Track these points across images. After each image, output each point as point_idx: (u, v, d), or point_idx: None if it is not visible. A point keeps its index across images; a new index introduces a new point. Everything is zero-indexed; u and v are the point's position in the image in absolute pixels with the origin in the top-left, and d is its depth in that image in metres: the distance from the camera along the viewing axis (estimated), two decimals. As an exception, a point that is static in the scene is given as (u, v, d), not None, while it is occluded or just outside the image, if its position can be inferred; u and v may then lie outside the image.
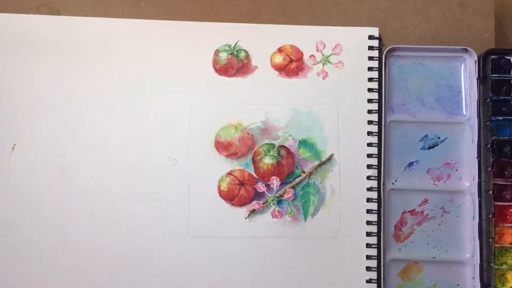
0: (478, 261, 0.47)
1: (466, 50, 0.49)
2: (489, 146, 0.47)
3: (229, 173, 0.48)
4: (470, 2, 0.51)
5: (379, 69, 0.49)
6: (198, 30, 0.50)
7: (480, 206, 0.47)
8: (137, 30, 0.50)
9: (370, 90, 0.49)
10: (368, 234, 0.47)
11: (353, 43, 0.50)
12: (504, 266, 0.46)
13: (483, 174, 0.48)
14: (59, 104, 0.49)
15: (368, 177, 0.48)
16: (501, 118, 0.47)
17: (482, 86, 0.49)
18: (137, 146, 0.48)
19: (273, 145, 0.49)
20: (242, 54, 0.50)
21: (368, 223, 0.47)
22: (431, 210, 0.48)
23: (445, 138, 0.49)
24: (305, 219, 0.48)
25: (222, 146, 0.49)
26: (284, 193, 0.48)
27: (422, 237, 0.48)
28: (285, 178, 0.48)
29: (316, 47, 0.50)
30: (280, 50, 0.50)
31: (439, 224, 0.48)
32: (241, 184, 0.48)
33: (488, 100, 0.48)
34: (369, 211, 0.48)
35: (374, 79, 0.49)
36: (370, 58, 0.49)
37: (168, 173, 0.48)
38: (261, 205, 0.48)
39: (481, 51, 0.49)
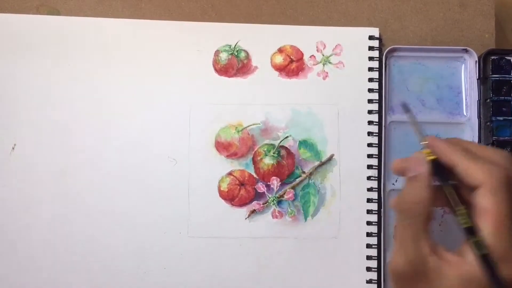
0: (478, 262, 0.47)
1: (466, 51, 0.49)
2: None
3: (229, 173, 0.48)
4: (470, 2, 0.51)
5: (379, 69, 0.49)
6: (198, 30, 0.50)
7: (480, 207, 0.47)
8: (137, 30, 0.50)
9: (370, 90, 0.49)
10: (369, 234, 0.47)
11: (353, 43, 0.50)
12: (504, 267, 0.46)
13: (483, 174, 0.48)
14: (59, 104, 0.49)
15: (369, 178, 0.48)
16: (501, 118, 0.47)
17: (483, 86, 0.49)
18: (137, 146, 0.48)
19: (273, 145, 0.49)
20: (242, 54, 0.50)
21: (369, 223, 0.47)
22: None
23: (445, 139, 0.49)
24: (305, 219, 0.48)
25: (222, 146, 0.49)
26: (284, 194, 0.48)
27: (422, 237, 0.48)
28: (285, 178, 0.48)
29: (316, 47, 0.50)
30: (280, 50, 0.50)
31: (439, 225, 0.48)
32: (241, 184, 0.48)
33: (488, 100, 0.48)
34: (369, 212, 0.48)
35: (375, 80, 0.49)
36: (371, 59, 0.49)
37: (168, 173, 0.48)
38: (261, 206, 0.48)
39: (481, 51, 0.49)
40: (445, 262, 0.32)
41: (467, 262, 0.31)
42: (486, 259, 0.30)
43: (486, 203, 0.31)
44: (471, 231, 0.31)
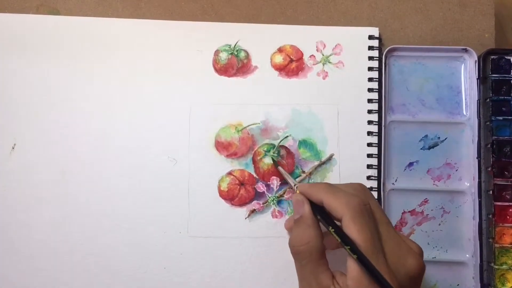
0: (478, 261, 0.47)
1: (466, 50, 0.49)
2: (489, 146, 0.47)
3: (229, 173, 0.48)
4: (470, 2, 0.51)
5: (379, 69, 0.49)
6: (198, 30, 0.50)
7: (480, 206, 0.48)
8: (137, 30, 0.50)
9: (370, 90, 0.49)
10: (368, 234, 0.47)
11: (353, 43, 0.50)
12: (504, 266, 0.46)
13: (483, 174, 0.48)
14: (59, 104, 0.49)
15: (368, 177, 0.48)
16: (501, 118, 0.47)
17: (482, 86, 0.49)
18: (137, 146, 0.48)
19: (273, 145, 0.49)
20: (242, 54, 0.50)
21: (368, 223, 0.47)
22: (431, 210, 0.48)
23: (445, 138, 0.49)
24: (305, 219, 0.48)
25: (222, 146, 0.49)
26: (284, 193, 0.48)
27: (422, 237, 0.48)
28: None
29: (316, 47, 0.50)
30: (280, 50, 0.50)
31: (439, 224, 0.48)
32: (241, 184, 0.48)
33: (488, 100, 0.48)
34: (369, 211, 0.47)
35: (374, 79, 0.49)
36: (370, 58, 0.49)
37: (168, 173, 0.48)
38: (261, 205, 0.48)
39: (481, 51, 0.49)
40: (344, 285, 0.35)
41: (351, 277, 0.34)
42: (362, 260, 0.33)
43: (350, 232, 0.34)
44: (346, 243, 0.34)
